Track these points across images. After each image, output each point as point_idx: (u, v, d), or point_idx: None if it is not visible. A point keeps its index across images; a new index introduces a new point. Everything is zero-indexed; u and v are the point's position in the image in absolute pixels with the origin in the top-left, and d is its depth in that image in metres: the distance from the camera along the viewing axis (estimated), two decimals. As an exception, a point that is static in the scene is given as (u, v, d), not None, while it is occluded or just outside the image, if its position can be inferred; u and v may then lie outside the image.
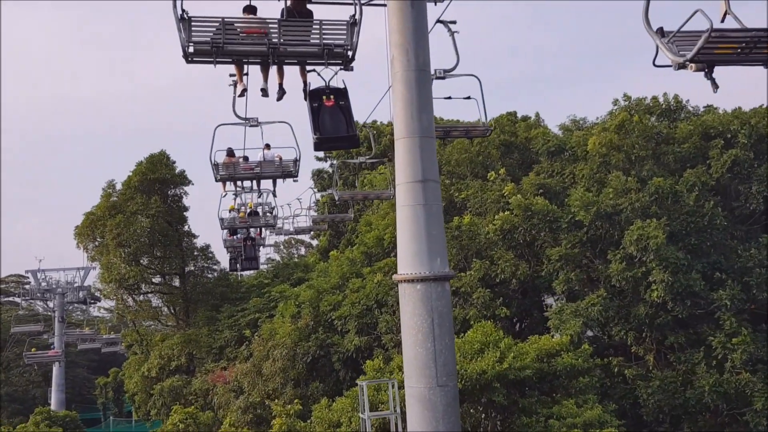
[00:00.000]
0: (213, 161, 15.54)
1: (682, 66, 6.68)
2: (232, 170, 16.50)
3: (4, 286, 70.90)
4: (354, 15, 8.19)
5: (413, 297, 9.50)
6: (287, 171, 15.99)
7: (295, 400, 20.30)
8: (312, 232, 42.23)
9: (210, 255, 40.11)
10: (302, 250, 73.81)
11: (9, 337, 55.37)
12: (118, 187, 38.01)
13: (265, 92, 9.88)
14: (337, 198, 21.84)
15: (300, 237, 65.20)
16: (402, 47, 10.07)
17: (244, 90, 10.24)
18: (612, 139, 23.30)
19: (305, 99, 9.99)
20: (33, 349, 49.80)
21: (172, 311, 39.02)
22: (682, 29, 6.70)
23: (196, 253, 39.62)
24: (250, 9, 9.41)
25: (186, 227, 39.63)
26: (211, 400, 31.25)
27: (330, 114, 9.81)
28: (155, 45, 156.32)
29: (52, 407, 48.93)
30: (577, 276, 21.23)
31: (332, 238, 44.61)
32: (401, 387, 14.19)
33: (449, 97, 13.35)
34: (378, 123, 49.75)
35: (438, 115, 45.74)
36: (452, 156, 29.21)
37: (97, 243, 37.00)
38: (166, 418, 37.79)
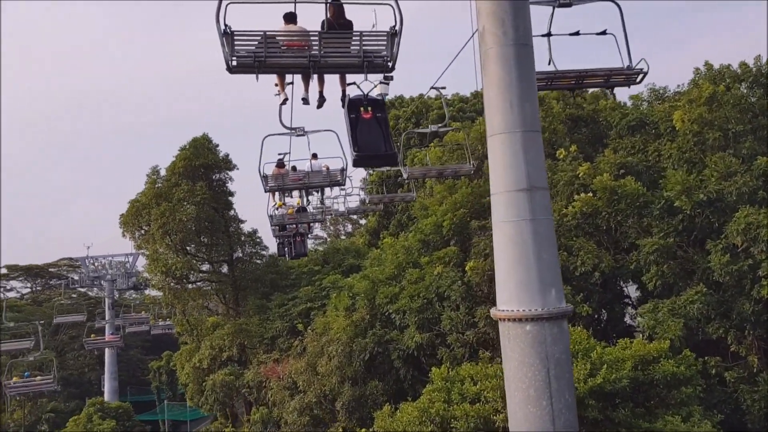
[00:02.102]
0: (262, 173, 15.84)
1: None
2: (280, 181, 16.77)
3: (56, 269, 71.52)
4: (394, 26, 7.84)
5: (521, 341, 7.43)
6: (334, 180, 16.49)
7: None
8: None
9: (258, 240, 38.76)
10: (348, 227, 72.37)
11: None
12: (163, 173, 36.73)
13: (305, 101, 9.80)
14: (405, 175, 19.36)
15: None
16: (495, 16, 7.88)
17: (286, 99, 10.15)
18: (702, 113, 20.50)
19: (343, 107, 10.05)
20: (92, 335, 49.85)
21: (222, 299, 37.82)
22: None
23: (243, 239, 38.29)
24: (291, 17, 9.19)
25: (232, 212, 38.31)
26: (264, 395, 30.02)
27: (368, 127, 9.78)
28: (196, 25, 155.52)
29: (106, 396, 48.97)
30: (671, 269, 18.75)
31: (381, 218, 42.69)
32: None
33: (577, 33, 10.59)
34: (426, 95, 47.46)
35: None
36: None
37: (143, 231, 35.90)
38: (220, 413, 37.05)
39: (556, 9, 9.74)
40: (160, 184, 36.29)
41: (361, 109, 9.74)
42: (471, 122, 35.21)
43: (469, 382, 16.72)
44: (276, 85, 10.23)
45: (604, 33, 10.41)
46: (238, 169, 37.65)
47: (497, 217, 7.85)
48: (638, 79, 10.87)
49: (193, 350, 36.70)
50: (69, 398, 55.93)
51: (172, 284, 34.73)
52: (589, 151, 25.54)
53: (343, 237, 71.42)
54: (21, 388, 35.38)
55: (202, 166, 36.30)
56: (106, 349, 51.15)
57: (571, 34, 10.46)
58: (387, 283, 25.31)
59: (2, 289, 70.50)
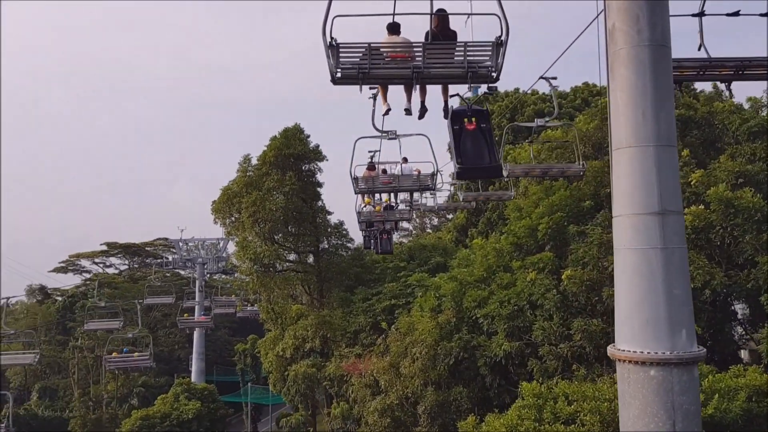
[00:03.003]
0: (353, 175, 15.98)
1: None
2: (371, 184, 16.89)
3: (152, 249, 74.46)
4: (500, 36, 7.60)
5: (644, 387, 6.46)
6: (425, 185, 16.56)
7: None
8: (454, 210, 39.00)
9: (344, 232, 38.65)
10: (435, 220, 71.45)
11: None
12: (254, 162, 37.10)
13: (408, 111, 9.80)
14: (505, 173, 18.08)
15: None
16: (629, 13, 6.87)
17: (389, 110, 10.07)
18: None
19: (445, 118, 9.87)
20: (185, 315, 51.61)
21: (307, 290, 37.94)
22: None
23: (330, 230, 38.26)
24: (394, 28, 9.13)
25: (320, 203, 38.30)
26: (345, 390, 29.81)
27: (472, 139, 9.54)
28: (292, 14, 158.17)
29: (192, 375, 50.44)
30: (796, 290, 16.98)
31: (470, 214, 41.59)
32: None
33: (737, 13, 9.22)
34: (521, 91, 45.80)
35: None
36: (602, 132, 24.84)
37: (233, 219, 36.45)
38: (301, 404, 37.26)
39: None
40: (251, 173, 36.69)
41: (465, 120, 9.50)
42: (569, 119, 33.54)
43: (563, 401, 15.65)
44: (371, 88, 10.14)
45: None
46: (327, 160, 37.61)
47: (621, 243, 6.87)
48: None
49: (277, 338, 37.01)
50: (159, 374, 58.16)
51: (259, 272, 35.06)
52: (702, 157, 23.66)
53: (429, 230, 70.72)
54: (120, 362, 36.76)
55: (292, 156, 36.43)
56: (195, 330, 52.70)
57: (729, 15, 9.12)
58: (476, 286, 24.38)
59: (101, 265, 74.15)
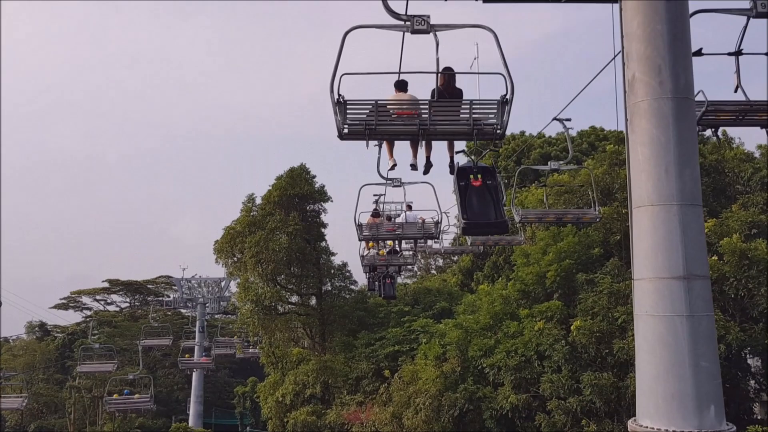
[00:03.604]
0: (357, 222, 15.87)
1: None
2: (375, 231, 16.83)
3: (153, 286, 73.81)
4: (505, 95, 7.57)
5: (670, 469, 5.87)
6: (429, 233, 16.37)
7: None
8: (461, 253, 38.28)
9: (347, 274, 37.99)
10: (440, 261, 70.70)
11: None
12: (258, 201, 36.79)
13: (414, 167, 10.00)
14: (518, 218, 17.41)
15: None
16: (650, 62, 6.50)
17: (395, 165, 10.19)
18: None
19: (451, 173, 9.93)
20: (186, 355, 50.71)
21: (308, 333, 37.19)
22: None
23: (333, 272, 37.64)
24: (402, 86, 9.35)
25: (324, 244, 37.79)
26: (346, 440, 28.91)
27: (477, 195, 9.50)
28: (298, 56, 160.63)
29: (190, 419, 49.35)
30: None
31: (475, 257, 40.92)
32: None
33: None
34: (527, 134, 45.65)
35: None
36: (611, 177, 24.32)
37: (235, 259, 35.94)
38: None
39: (752, 20, 7.64)
40: (255, 212, 36.33)
41: (471, 176, 9.51)
42: (576, 164, 33.19)
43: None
44: (376, 145, 10.20)
45: None
46: (332, 201, 37.28)
47: (642, 309, 6.37)
48: None
49: (277, 383, 36.11)
50: (157, 415, 56.80)
51: (260, 314, 34.40)
52: (712, 205, 23.20)
53: (433, 272, 69.95)
54: (120, 404, 35.88)
55: (297, 195, 36.09)
56: (195, 371, 51.72)
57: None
58: (481, 334, 23.78)
59: (103, 302, 73.46)
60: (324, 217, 37.34)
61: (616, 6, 7.16)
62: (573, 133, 43.94)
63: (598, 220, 16.91)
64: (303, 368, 33.68)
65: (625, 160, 6.87)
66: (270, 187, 36.61)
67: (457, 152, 10.06)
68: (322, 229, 37.48)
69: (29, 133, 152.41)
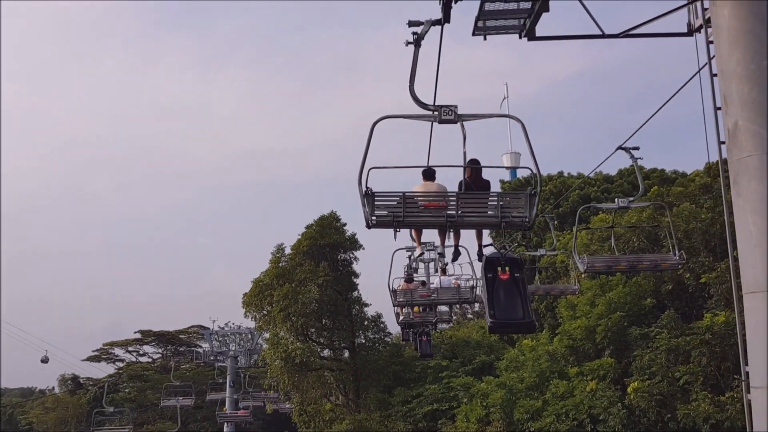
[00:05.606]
0: (391, 287, 15.88)
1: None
2: (409, 296, 16.59)
3: (185, 336, 72.97)
4: (534, 187, 7.57)
5: None
6: (464, 297, 16.04)
7: None
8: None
9: (382, 326, 36.40)
10: (476, 306, 68.65)
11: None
12: (287, 251, 35.69)
13: (442, 255, 11.13)
14: (582, 267, 15.15)
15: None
16: (757, 107, 5.11)
17: (422, 253, 11.24)
18: None
19: (479, 260, 10.11)
20: (224, 408, 49.51)
21: (342, 390, 35.51)
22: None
23: (366, 324, 36.11)
24: (429, 174, 9.58)
25: (356, 294, 36.40)
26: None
27: (505, 290, 9.35)
28: (327, 103, 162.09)
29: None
30: None
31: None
32: None
33: None
34: (559, 174, 43.86)
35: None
36: (678, 225, 22.61)
37: (264, 312, 34.69)
38: None
39: None
40: (284, 263, 35.20)
41: (499, 268, 9.38)
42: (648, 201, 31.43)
43: None
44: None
45: None
46: (363, 249, 36.03)
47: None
48: None
49: (310, 444, 34.51)
50: (189, 470, 55.42)
51: (291, 371, 32.92)
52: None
53: (470, 316, 67.88)
54: None
55: (327, 245, 34.94)
56: (225, 425, 50.35)
57: None
58: (527, 395, 22.04)
59: (135, 354, 72.71)
60: (355, 266, 36.13)
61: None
62: (612, 172, 42.02)
63: (680, 266, 14.91)
64: (336, 428, 32.05)
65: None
66: (299, 236, 35.59)
67: (485, 246, 10.10)
68: (354, 279, 36.24)
69: (67, 183, 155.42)
